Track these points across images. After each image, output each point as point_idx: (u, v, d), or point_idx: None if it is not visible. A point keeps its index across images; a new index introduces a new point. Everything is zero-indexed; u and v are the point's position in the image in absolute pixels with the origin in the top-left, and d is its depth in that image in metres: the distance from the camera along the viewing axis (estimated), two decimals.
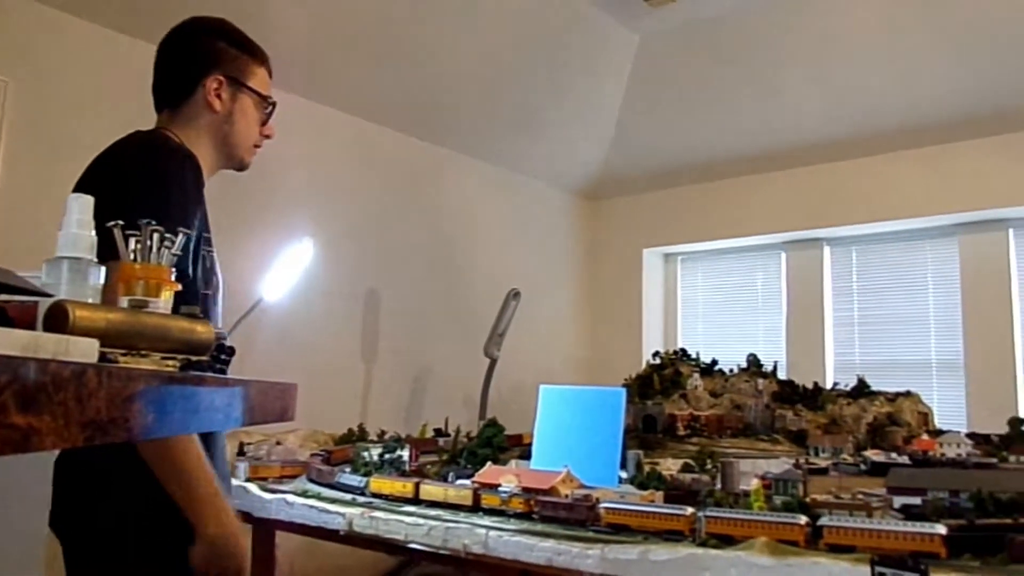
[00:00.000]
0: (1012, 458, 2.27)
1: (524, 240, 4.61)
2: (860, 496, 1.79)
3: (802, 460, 2.50)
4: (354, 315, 3.64)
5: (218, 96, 1.54)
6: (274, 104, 1.64)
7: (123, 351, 0.69)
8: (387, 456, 2.41)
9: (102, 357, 0.65)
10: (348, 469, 2.33)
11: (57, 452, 1.35)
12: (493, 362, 3.71)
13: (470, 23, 3.48)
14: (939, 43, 3.50)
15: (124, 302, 0.79)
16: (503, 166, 4.46)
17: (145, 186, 1.33)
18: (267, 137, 1.65)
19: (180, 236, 0.86)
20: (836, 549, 1.41)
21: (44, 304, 0.68)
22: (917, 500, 1.66)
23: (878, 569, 1.27)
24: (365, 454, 2.42)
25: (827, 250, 4.46)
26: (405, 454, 2.46)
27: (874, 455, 2.49)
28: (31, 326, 0.69)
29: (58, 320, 0.64)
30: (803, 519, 1.50)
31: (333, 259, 3.38)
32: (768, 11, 3.66)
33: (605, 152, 4.68)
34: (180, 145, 1.46)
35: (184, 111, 1.55)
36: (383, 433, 2.93)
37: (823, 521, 1.47)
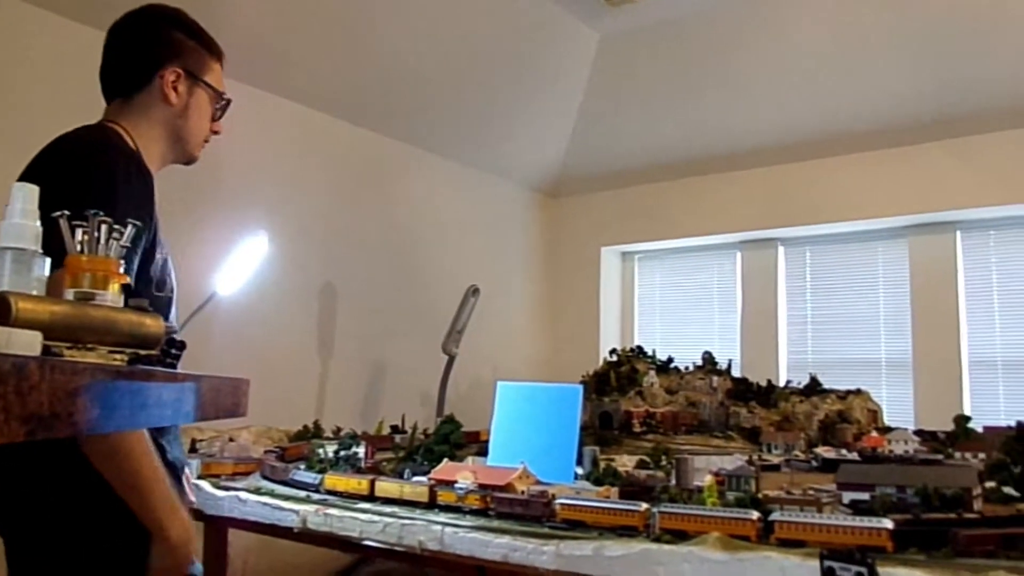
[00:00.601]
0: (957, 454, 2.32)
1: (484, 237, 4.61)
2: (811, 492, 1.82)
3: (755, 457, 2.53)
4: (310, 310, 3.60)
5: (175, 89, 1.51)
6: (228, 101, 1.62)
7: (68, 344, 0.68)
8: (342, 453, 2.39)
9: (46, 350, 0.63)
10: (303, 466, 2.31)
11: None
12: (451, 359, 3.70)
13: (431, 17, 3.46)
14: (893, 49, 3.58)
15: (70, 295, 0.77)
16: (463, 162, 4.45)
17: (93, 186, 1.29)
18: (215, 133, 1.63)
19: (129, 228, 0.84)
20: (787, 544, 1.43)
21: None
22: (865, 496, 1.69)
23: (827, 563, 1.29)
24: (320, 451, 2.40)
25: (781, 250, 4.53)
26: (361, 451, 2.44)
27: (825, 452, 2.53)
28: None
29: (0, 312, 0.62)
30: (755, 514, 1.52)
31: (289, 253, 3.34)
32: (727, 13, 3.71)
33: (565, 150, 4.69)
34: (126, 146, 1.42)
35: (137, 102, 1.51)
36: (339, 430, 2.90)
37: (774, 516, 1.49)
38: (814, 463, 2.43)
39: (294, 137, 3.55)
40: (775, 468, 2.39)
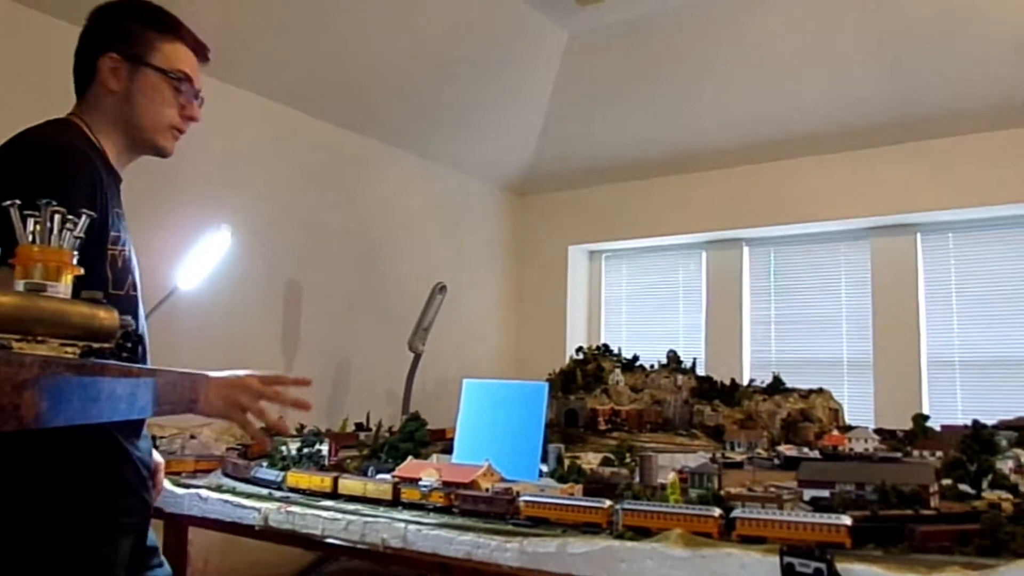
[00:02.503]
0: (915, 453, 2.36)
1: (451, 234, 4.59)
2: (772, 489, 1.83)
3: (718, 454, 2.55)
4: (274, 306, 3.57)
5: (114, 75, 1.48)
6: (185, 78, 1.54)
7: (17, 337, 0.66)
8: (306, 450, 2.37)
9: None
10: (265, 464, 2.28)
11: None
12: (418, 356, 3.69)
13: (401, 13, 3.44)
14: (857, 52, 3.63)
15: (20, 286, 0.76)
16: (431, 159, 4.43)
17: (30, 181, 1.26)
18: (190, 119, 1.56)
19: (83, 218, 0.82)
20: (748, 540, 1.45)
21: None
22: (826, 493, 1.71)
23: (786, 559, 1.31)
24: (283, 448, 2.38)
25: (746, 250, 4.58)
26: (324, 448, 2.42)
27: (787, 450, 2.56)
28: None
29: None
30: (717, 511, 1.53)
31: (253, 249, 3.30)
32: (695, 14, 3.73)
33: (533, 148, 4.69)
34: (68, 139, 1.39)
35: (88, 96, 1.50)
36: (302, 427, 2.87)
37: (736, 513, 1.50)
38: (776, 461, 2.46)
39: (259, 132, 3.51)
40: (738, 466, 2.41)
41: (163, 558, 1.62)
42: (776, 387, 3.26)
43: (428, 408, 2.99)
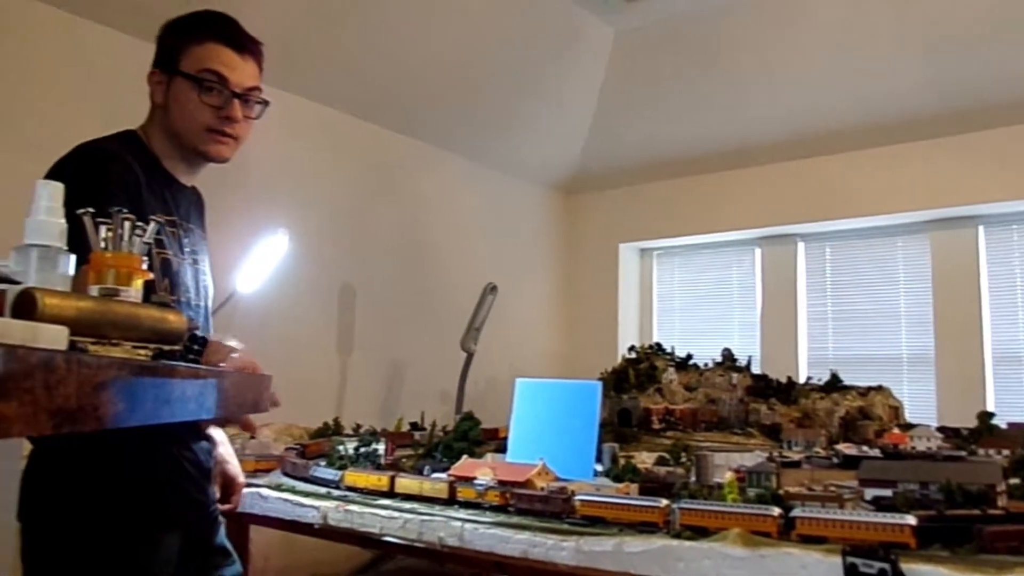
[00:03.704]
0: (980, 451, 2.30)
1: (501, 234, 4.61)
2: (832, 488, 1.80)
3: (775, 453, 2.52)
4: (330, 308, 3.62)
5: (158, 89, 1.53)
6: (213, 76, 1.51)
7: (93, 340, 0.69)
8: (362, 450, 2.40)
9: (72, 346, 0.64)
10: (323, 463, 2.32)
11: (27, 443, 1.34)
12: (470, 356, 3.71)
13: (448, 15, 3.46)
14: (912, 41, 3.54)
15: (95, 291, 0.78)
16: (480, 160, 4.45)
17: (69, 185, 1.31)
18: (228, 119, 1.53)
19: (152, 225, 0.85)
20: (808, 540, 1.43)
21: (12, 292, 0.67)
22: (888, 492, 1.68)
23: (849, 559, 1.28)
24: (340, 448, 2.41)
25: (801, 246, 4.50)
26: (381, 448, 2.45)
27: (846, 448, 2.51)
28: None
29: (27, 307, 0.63)
30: (776, 510, 1.51)
31: (309, 252, 3.36)
32: (743, 7, 3.68)
33: (581, 147, 4.68)
34: (104, 148, 1.44)
35: (149, 113, 1.57)
36: (359, 427, 2.91)
37: (795, 512, 1.48)
38: (835, 460, 2.41)
39: (313, 136, 3.57)
40: (795, 465, 2.37)
41: (235, 556, 1.66)
42: (834, 385, 3.20)
43: (480, 407, 3.00)
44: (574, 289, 5.11)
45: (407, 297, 3.95)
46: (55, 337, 0.59)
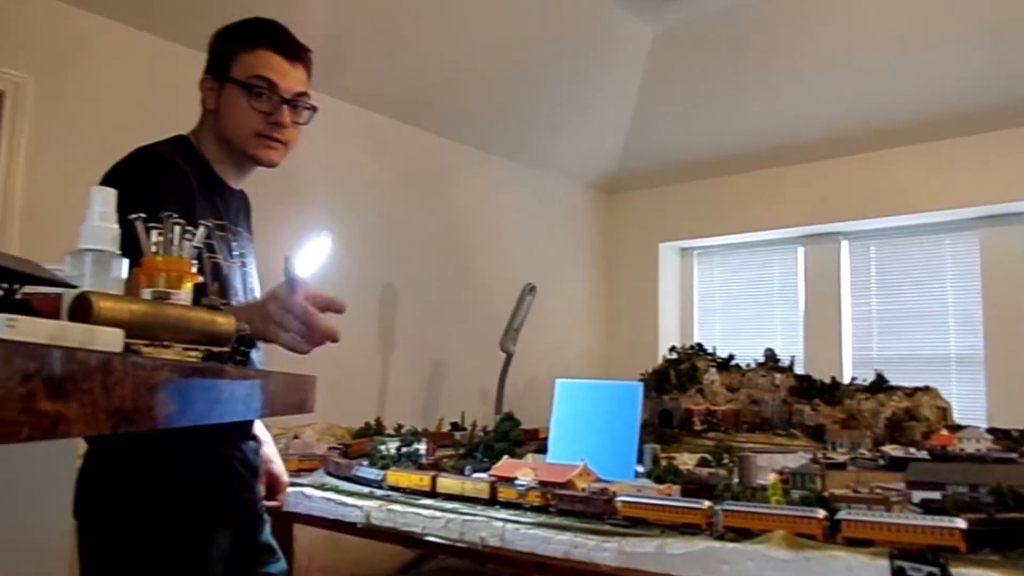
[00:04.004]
0: None
1: (540, 234, 4.61)
2: (879, 490, 1.78)
3: (819, 455, 2.48)
4: (371, 309, 3.66)
5: (209, 96, 1.56)
6: (263, 82, 1.53)
7: (146, 342, 0.70)
8: (404, 449, 2.42)
9: (126, 348, 0.66)
10: (365, 462, 2.34)
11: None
12: (509, 356, 3.72)
13: (485, 17, 3.48)
14: (959, 34, 3.47)
15: (147, 294, 0.80)
16: (519, 161, 4.46)
17: (124, 189, 1.34)
18: (277, 125, 1.55)
19: (201, 229, 0.87)
20: (854, 543, 1.41)
21: (68, 296, 0.69)
22: (936, 495, 1.65)
23: (897, 563, 1.26)
24: (382, 447, 2.43)
25: (845, 244, 4.44)
26: (422, 448, 2.47)
27: (892, 450, 2.47)
28: (55, 317, 0.70)
29: (83, 311, 0.65)
30: (821, 513, 1.49)
31: (351, 254, 3.39)
32: (784, 3, 3.64)
33: (621, 146, 4.66)
34: (159, 153, 1.47)
35: (200, 119, 1.60)
36: (400, 427, 2.94)
37: (841, 515, 1.47)
38: (881, 461, 2.37)
39: (356, 140, 3.61)
40: (840, 466, 2.34)
41: (280, 554, 1.68)
42: (879, 385, 3.15)
43: (520, 408, 3.01)
44: (614, 289, 5.09)
45: (447, 298, 3.98)
46: (111, 340, 0.61)
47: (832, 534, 1.46)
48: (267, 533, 1.65)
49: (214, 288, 1.46)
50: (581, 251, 4.97)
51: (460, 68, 3.66)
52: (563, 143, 4.49)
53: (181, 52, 2.85)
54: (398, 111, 3.75)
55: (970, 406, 3.74)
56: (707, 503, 1.63)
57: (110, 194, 0.80)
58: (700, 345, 3.66)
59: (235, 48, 1.55)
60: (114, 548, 1.34)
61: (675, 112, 4.36)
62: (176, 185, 1.42)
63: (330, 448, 2.60)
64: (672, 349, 3.67)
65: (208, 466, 1.44)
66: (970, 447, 2.29)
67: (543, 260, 4.51)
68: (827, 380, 3.26)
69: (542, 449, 2.58)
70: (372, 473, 2.23)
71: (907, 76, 3.71)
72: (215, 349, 0.78)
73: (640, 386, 2.38)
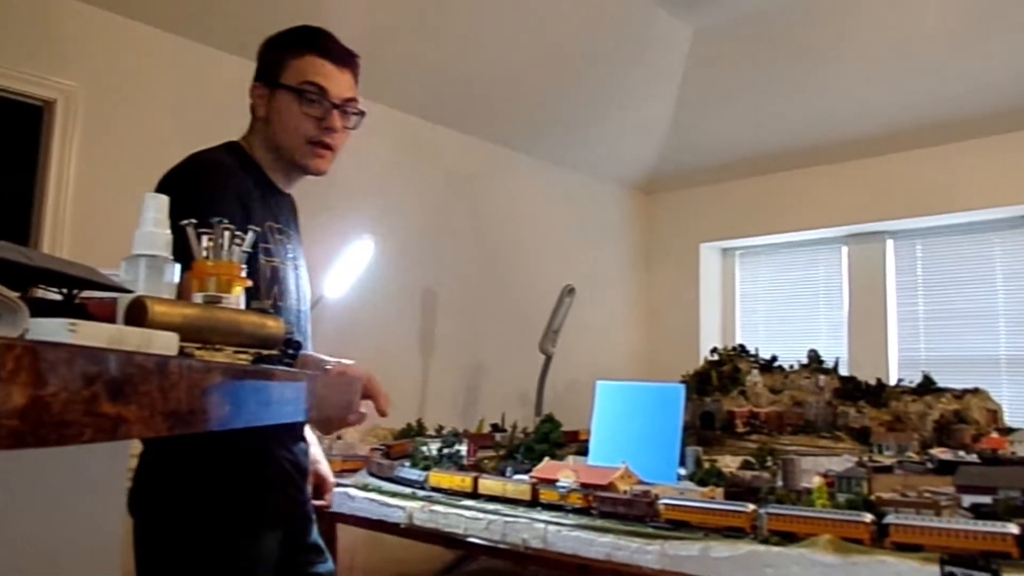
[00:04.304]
0: None
1: (579, 236, 4.60)
2: (927, 494, 1.75)
3: (865, 458, 2.45)
4: (412, 312, 3.68)
5: (260, 103, 1.58)
6: (314, 88, 1.54)
7: (198, 345, 0.72)
8: (445, 451, 2.43)
9: (180, 351, 0.67)
10: (407, 463, 2.36)
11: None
12: (548, 358, 3.71)
13: (523, 19, 3.48)
14: (1007, 28, 3.39)
15: (199, 298, 0.82)
16: (558, 162, 4.46)
17: (183, 194, 1.36)
18: (328, 130, 1.56)
19: (250, 234, 0.88)
20: (903, 548, 1.38)
21: (123, 300, 0.71)
22: (987, 499, 1.62)
23: (947, 568, 1.24)
24: (424, 448, 2.45)
25: (890, 243, 4.36)
26: (463, 449, 2.48)
27: (941, 453, 2.43)
28: (110, 321, 0.71)
29: (138, 315, 0.67)
30: (868, 517, 1.47)
31: (392, 257, 3.42)
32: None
33: (661, 146, 4.64)
34: (222, 156, 1.51)
35: (250, 126, 1.63)
36: (441, 428, 2.95)
37: (889, 519, 1.44)
38: (929, 465, 2.33)
39: (396, 144, 3.63)
40: (887, 470, 2.30)
41: (328, 554, 1.70)
42: (927, 387, 3.09)
43: (560, 410, 3.01)
44: (654, 290, 5.06)
45: (486, 300, 3.99)
46: (167, 343, 0.62)
47: (880, 539, 1.44)
48: (315, 533, 1.67)
49: (274, 292, 1.48)
50: (621, 252, 4.95)
51: (498, 71, 3.67)
52: (602, 144, 4.47)
53: (228, 60, 2.90)
54: (437, 115, 3.77)
55: (1021, 408, 3.65)
56: (751, 506, 1.62)
57: (163, 201, 0.82)
58: (742, 346, 3.62)
59: (285, 55, 1.57)
60: (169, 545, 1.38)
61: (716, 111, 4.32)
62: (234, 189, 1.45)
63: (372, 449, 2.62)
64: (714, 350, 3.64)
65: (260, 467, 1.46)
66: (1022, 450, 2.24)
67: (582, 261, 4.50)
68: (872, 382, 3.21)
69: (582, 451, 2.57)
70: (414, 474, 2.25)
71: (955, 71, 3.63)
72: (264, 352, 0.79)
73: (682, 388, 2.37)
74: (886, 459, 2.47)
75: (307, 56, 1.56)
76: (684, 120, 4.41)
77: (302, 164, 1.59)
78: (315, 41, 1.58)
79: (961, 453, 2.43)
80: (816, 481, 1.79)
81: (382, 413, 1.29)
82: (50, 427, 0.42)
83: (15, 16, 2.54)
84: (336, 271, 2.94)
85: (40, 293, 0.72)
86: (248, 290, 1.40)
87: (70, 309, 0.66)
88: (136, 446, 1.43)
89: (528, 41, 3.60)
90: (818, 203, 4.40)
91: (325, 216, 3.18)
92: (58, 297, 0.69)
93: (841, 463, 2.26)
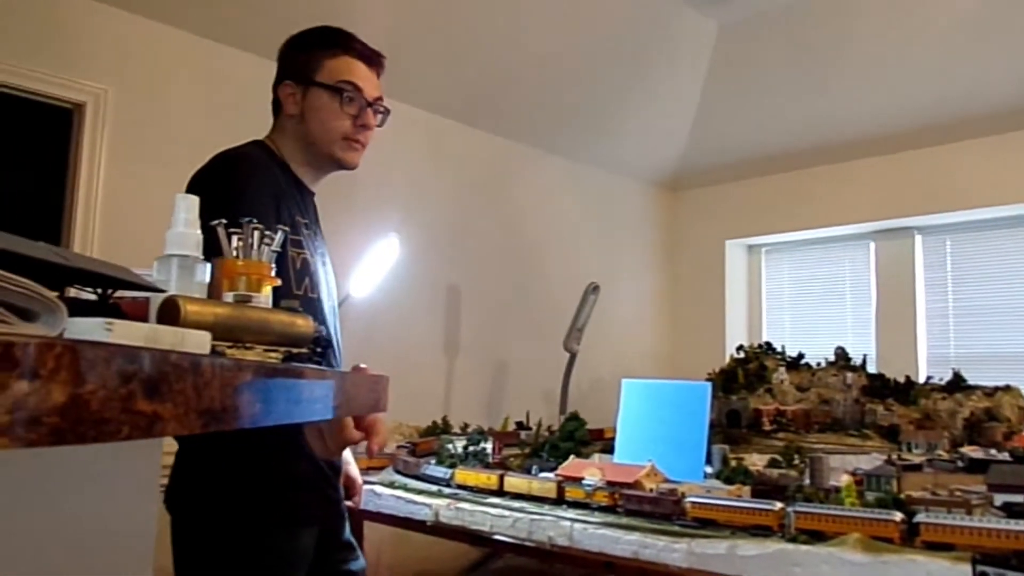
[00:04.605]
0: None
1: (603, 233, 4.59)
2: (958, 493, 1.73)
3: (894, 456, 2.42)
4: (436, 310, 3.69)
5: (291, 100, 1.60)
6: (351, 87, 1.59)
7: (229, 344, 0.73)
8: (471, 448, 2.44)
9: (212, 349, 0.68)
10: (433, 461, 2.37)
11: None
12: (573, 356, 3.71)
13: (546, 16, 3.48)
14: None
15: (229, 297, 0.83)
16: (582, 159, 4.45)
17: (216, 194, 1.37)
18: (364, 127, 1.61)
19: (279, 233, 0.89)
20: (934, 547, 1.37)
21: (156, 300, 0.72)
22: (1020, 498, 1.60)
23: (980, 568, 1.23)
24: (449, 446, 2.46)
25: (919, 239, 4.31)
26: (488, 447, 2.49)
27: (972, 451, 2.40)
28: (142, 320, 0.72)
29: (171, 314, 0.68)
30: (898, 515, 1.46)
31: (417, 255, 3.43)
32: None
33: (685, 142, 4.62)
34: (258, 154, 1.52)
35: (277, 122, 1.64)
36: (466, 426, 2.96)
37: (920, 518, 1.43)
38: (960, 463, 2.30)
39: (419, 143, 3.65)
40: (916, 468, 2.28)
41: (360, 551, 1.72)
42: (957, 384, 3.06)
43: (584, 408, 3.00)
44: (679, 288, 5.03)
45: (511, 298, 3.99)
46: (200, 342, 0.63)
47: (910, 538, 1.43)
48: (348, 530, 1.68)
49: (305, 285, 1.51)
50: (645, 249, 4.94)
51: (521, 69, 3.67)
52: (626, 141, 4.46)
53: (254, 61, 2.93)
54: (460, 113, 3.78)
55: None
56: (779, 504, 1.61)
57: (194, 201, 0.83)
58: (768, 344, 3.60)
59: (319, 54, 1.60)
60: (208, 542, 1.40)
61: (741, 107, 4.29)
62: (267, 185, 1.47)
63: (399, 446, 2.64)
64: (740, 348, 3.62)
65: (297, 465, 1.48)
66: None
67: (607, 259, 4.49)
68: (901, 379, 3.18)
69: (607, 449, 2.57)
70: (440, 471, 2.26)
71: (984, 63, 3.58)
72: (294, 350, 0.80)
73: (709, 386, 2.36)
74: (915, 457, 2.45)
75: (342, 56, 1.60)
76: (709, 116, 4.38)
77: (339, 158, 1.62)
78: (348, 42, 1.62)
79: (992, 451, 2.40)
80: (845, 479, 1.78)
81: (370, 452, 1.28)
82: (89, 424, 0.43)
83: (45, 21, 2.58)
84: (362, 270, 2.96)
85: (72, 293, 0.73)
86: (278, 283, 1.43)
87: (105, 309, 0.67)
88: (171, 444, 1.44)
89: (552, 39, 3.60)
90: (845, 199, 4.36)
91: (351, 215, 3.21)
92: (92, 297, 0.70)
93: (869, 461, 2.24)
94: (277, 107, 1.64)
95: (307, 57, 1.61)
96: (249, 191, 1.42)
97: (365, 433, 1.24)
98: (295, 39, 1.65)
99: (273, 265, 0.87)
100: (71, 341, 0.44)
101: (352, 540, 1.69)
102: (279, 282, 0.87)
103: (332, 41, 1.62)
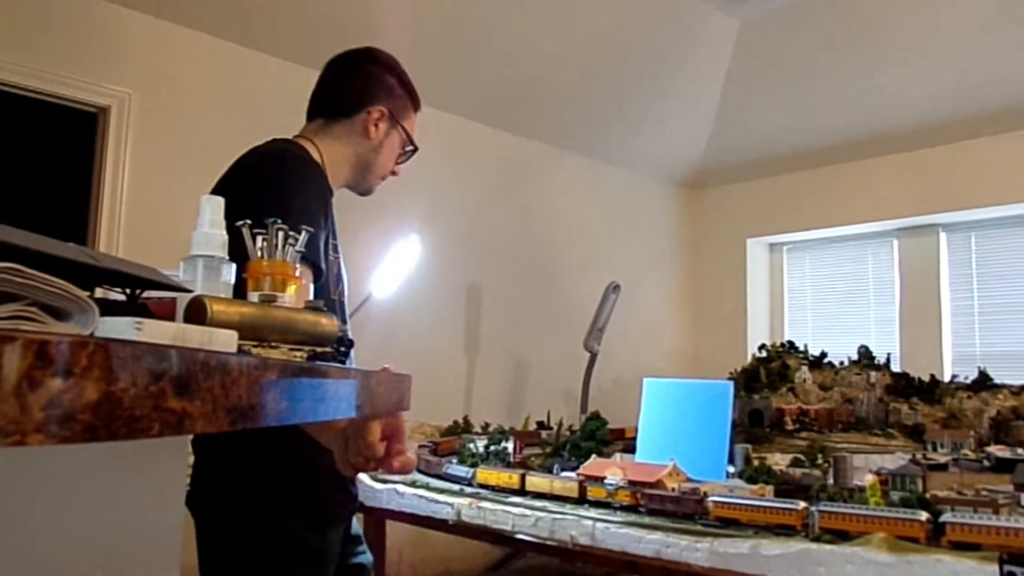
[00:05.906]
0: None
1: (624, 232, 4.58)
2: (985, 492, 1.71)
3: (919, 455, 2.40)
4: (457, 309, 3.70)
5: (376, 125, 1.63)
6: (415, 149, 1.73)
7: (255, 343, 0.73)
8: (492, 448, 2.44)
9: (238, 348, 0.69)
10: (455, 460, 2.38)
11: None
12: (594, 356, 3.71)
13: (565, 14, 3.48)
14: None
15: (254, 297, 0.84)
16: (602, 159, 4.44)
17: (268, 193, 1.38)
18: (394, 174, 1.74)
19: (303, 234, 0.90)
20: (960, 547, 1.36)
21: (182, 299, 0.73)
22: None
23: (1007, 568, 1.22)
24: (471, 446, 2.46)
25: (943, 236, 4.26)
26: (510, 446, 2.49)
27: (998, 451, 2.37)
28: (169, 320, 0.73)
29: (197, 314, 0.68)
30: (924, 515, 1.44)
31: (437, 255, 3.44)
32: None
33: (706, 140, 4.60)
34: (308, 156, 1.52)
35: (337, 127, 1.63)
36: (487, 425, 2.97)
37: (946, 518, 1.42)
38: (986, 463, 2.28)
39: (440, 143, 3.65)
40: (942, 467, 2.25)
41: (366, 545, 1.73)
42: (983, 383, 3.03)
43: (605, 407, 3.00)
44: (700, 287, 5.01)
45: (531, 297, 3.99)
46: (227, 341, 0.64)
47: (936, 537, 1.42)
48: (355, 523, 1.70)
49: (339, 288, 1.54)
50: (666, 248, 4.92)
51: (541, 68, 3.67)
52: (647, 139, 4.45)
53: (277, 64, 2.95)
54: (480, 114, 3.79)
55: None
56: (802, 504, 1.60)
57: (219, 203, 0.84)
58: (791, 343, 3.58)
59: (409, 104, 1.70)
60: (239, 544, 1.40)
61: (762, 104, 4.27)
62: (319, 186, 1.50)
63: (420, 446, 2.64)
64: (762, 347, 3.60)
65: (321, 462, 1.49)
66: None
67: (627, 258, 4.48)
68: (925, 378, 3.15)
69: (628, 448, 2.57)
70: (462, 471, 2.26)
71: (1007, 58, 3.54)
72: (319, 349, 0.81)
73: (731, 385, 2.35)
74: (941, 457, 2.43)
75: (415, 116, 1.73)
76: (730, 114, 4.36)
77: (372, 189, 1.73)
78: (420, 105, 1.75)
79: (1019, 450, 2.37)
80: (869, 479, 1.77)
81: (389, 468, 1.16)
82: (121, 421, 0.44)
83: (70, 25, 2.62)
84: (384, 270, 2.97)
85: (100, 293, 0.74)
86: (319, 286, 1.44)
87: (133, 308, 0.68)
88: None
89: (571, 37, 3.59)
90: (868, 196, 4.32)
91: (373, 216, 3.22)
92: (120, 297, 0.71)
93: (894, 461, 2.22)
94: (345, 113, 1.63)
95: (404, 102, 1.68)
96: (304, 189, 1.44)
97: (387, 441, 1.17)
98: (402, 72, 1.70)
99: (298, 265, 0.87)
100: (103, 340, 0.44)
101: (360, 533, 1.70)
102: (303, 282, 0.88)
103: (415, 96, 1.72)
